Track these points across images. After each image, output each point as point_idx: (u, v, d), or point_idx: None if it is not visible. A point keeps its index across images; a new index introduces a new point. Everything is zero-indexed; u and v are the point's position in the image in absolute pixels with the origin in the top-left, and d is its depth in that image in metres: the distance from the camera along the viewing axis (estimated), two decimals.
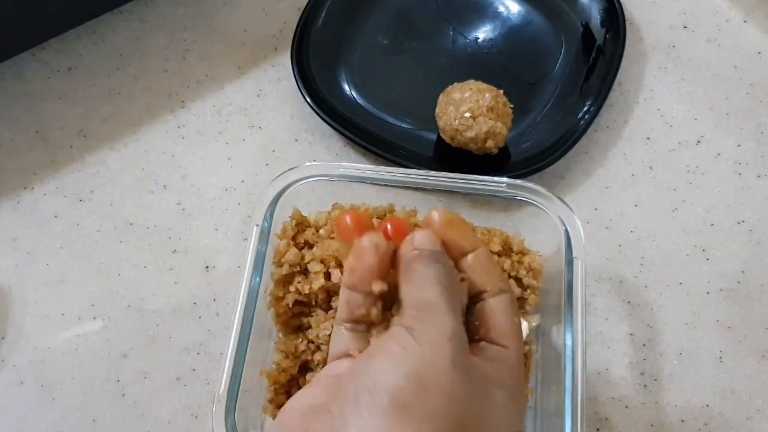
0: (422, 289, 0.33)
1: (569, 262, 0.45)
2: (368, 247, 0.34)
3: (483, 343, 0.34)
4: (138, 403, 0.51)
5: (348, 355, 0.35)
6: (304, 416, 0.31)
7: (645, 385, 0.51)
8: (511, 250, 0.50)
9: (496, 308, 0.35)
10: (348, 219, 0.37)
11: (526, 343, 0.47)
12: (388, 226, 0.36)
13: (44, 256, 0.55)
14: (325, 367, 0.35)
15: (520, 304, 0.48)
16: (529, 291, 0.48)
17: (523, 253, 0.50)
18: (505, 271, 0.48)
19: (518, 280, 0.49)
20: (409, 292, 0.33)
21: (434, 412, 0.29)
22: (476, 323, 0.35)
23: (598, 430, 0.50)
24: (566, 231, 0.45)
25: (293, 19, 0.63)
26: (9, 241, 0.56)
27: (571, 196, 0.57)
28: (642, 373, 0.51)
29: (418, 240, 0.35)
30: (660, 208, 0.57)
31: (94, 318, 0.53)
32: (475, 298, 0.36)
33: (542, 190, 0.46)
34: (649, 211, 0.57)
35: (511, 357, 0.34)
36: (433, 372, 0.30)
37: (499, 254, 0.49)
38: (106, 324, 0.53)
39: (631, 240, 0.56)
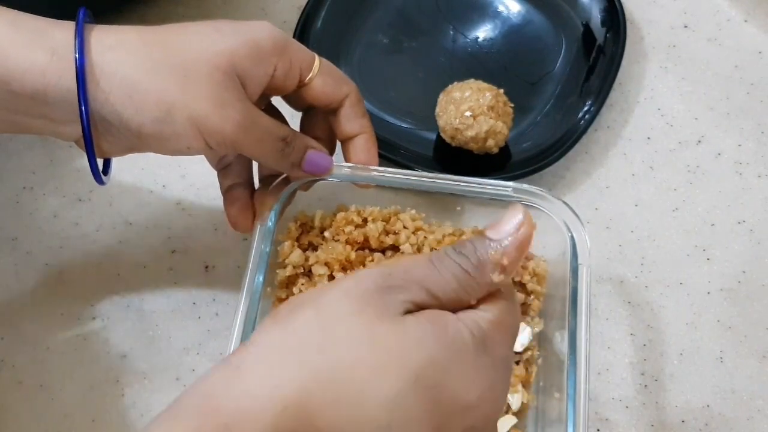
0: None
1: (574, 269, 0.44)
2: None
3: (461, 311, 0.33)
4: (137, 403, 0.51)
5: None
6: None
7: (645, 386, 0.51)
8: None
9: (496, 311, 0.34)
10: None
11: (528, 348, 0.47)
12: None
13: (44, 256, 0.55)
14: None
15: (523, 310, 0.49)
16: (533, 297, 0.48)
17: (527, 258, 0.49)
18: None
19: (522, 286, 0.49)
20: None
21: (297, 322, 0.31)
22: None
23: (598, 430, 0.50)
24: (572, 237, 0.45)
25: (293, 18, 0.63)
26: (9, 241, 0.56)
27: (571, 196, 0.57)
28: (642, 374, 0.51)
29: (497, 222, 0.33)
30: (660, 208, 0.57)
31: (94, 318, 0.53)
32: None
33: (548, 194, 0.46)
34: (650, 211, 0.57)
35: (483, 317, 0.32)
36: (326, 296, 0.31)
37: None
38: (106, 324, 0.53)
39: (631, 240, 0.56)
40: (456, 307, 0.32)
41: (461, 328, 0.31)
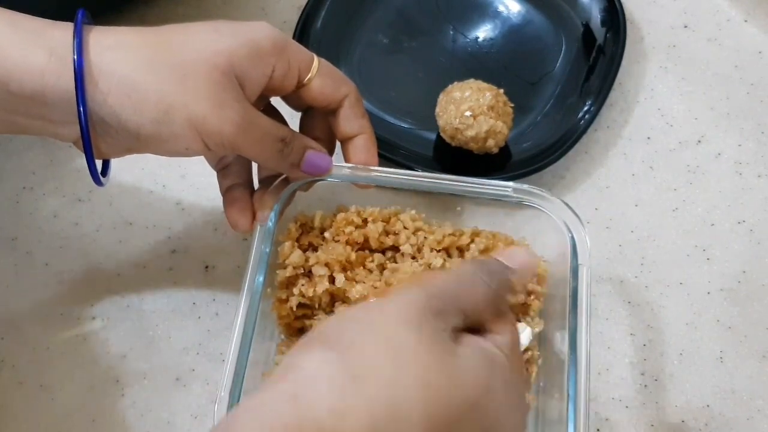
0: (445, 272, 0.35)
1: (574, 270, 0.44)
2: None
3: (480, 333, 0.35)
4: (137, 404, 0.51)
5: None
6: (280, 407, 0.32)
7: (645, 386, 0.51)
8: None
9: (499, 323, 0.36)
10: None
11: (528, 349, 0.47)
12: None
13: (44, 256, 0.55)
14: None
15: (523, 310, 0.48)
16: (533, 297, 0.48)
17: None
18: None
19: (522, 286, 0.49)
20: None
21: (361, 358, 0.30)
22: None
23: (598, 430, 0.50)
24: (572, 237, 0.45)
25: (293, 18, 0.63)
26: (9, 241, 0.56)
27: (571, 196, 0.57)
28: (642, 374, 0.51)
29: (505, 254, 0.38)
30: (660, 207, 0.57)
31: (94, 318, 0.53)
32: None
33: (548, 195, 0.46)
34: (650, 211, 0.57)
35: (504, 342, 0.34)
36: (383, 324, 0.31)
37: None
38: (106, 324, 0.53)
39: (631, 240, 0.56)
40: (474, 322, 0.34)
41: (499, 356, 0.33)
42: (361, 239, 0.49)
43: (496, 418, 0.32)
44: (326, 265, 0.47)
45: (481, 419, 0.31)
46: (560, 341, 0.47)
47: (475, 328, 0.35)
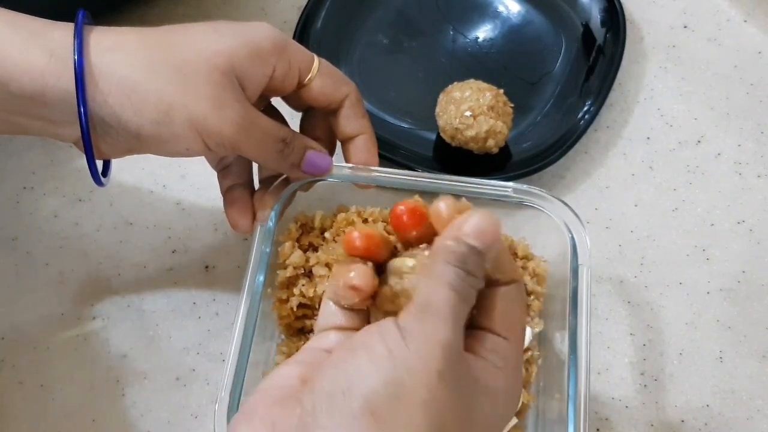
0: (433, 288, 0.31)
1: (574, 270, 0.44)
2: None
3: (483, 333, 0.33)
4: (137, 404, 0.51)
5: (337, 328, 0.34)
6: (274, 404, 0.30)
7: (645, 385, 0.51)
8: (515, 254, 0.49)
9: (504, 297, 0.33)
10: (356, 240, 0.34)
11: (528, 349, 0.47)
12: (401, 211, 0.34)
13: (44, 256, 0.55)
14: (312, 338, 0.34)
15: None
16: (533, 297, 0.48)
17: (527, 258, 0.49)
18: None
19: None
20: (422, 284, 0.31)
21: (409, 424, 0.28)
22: (481, 310, 0.33)
23: (598, 430, 0.50)
24: (572, 237, 0.45)
25: (293, 18, 0.63)
26: (9, 241, 0.56)
27: (571, 196, 0.57)
28: (642, 374, 0.51)
29: (469, 228, 0.31)
30: (660, 208, 0.57)
31: (94, 318, 0.53)
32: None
33: (548, 195, 0.46)
34: (650, 211, 0.57)
35: (510, 350, 0.33)
36: (415, 382, 0.28)
37: None
38: (106, 324, 0.53)
39: (631, 240, 0.56)
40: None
41: (508, 376, 0.33)
42: None
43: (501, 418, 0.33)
44: (326, 265, 0.47)
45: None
46: (560, 341, 0.47)
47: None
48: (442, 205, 0.33)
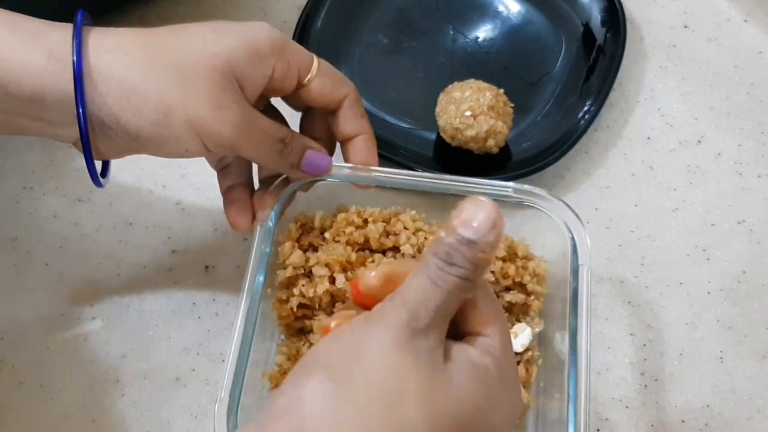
0: (412, 279, 0.33)
1: (575, 270, 0.44)
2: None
3: (467, 338, 0.34)
4: (137, 404, 0.51)
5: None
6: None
7: (645, 386, 0.51)
8: (515, 255, 0.49)
9: (470, 302, 0.34)
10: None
11: (528, 349, 0.47)
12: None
13: (44, 256, 0.55)
14: None
15: (523, 311, 0.48)
16: (533, 297, 0.48)
17: (527, 258, 0.49)
18: (509, 276, 0.48)
19: (522, 286, 0.49)
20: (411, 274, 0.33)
21: (361, 384, 0.30)
22: (459, 321, 0.35)
23: (598, 430, 0.50)
24: (572, 237, 0.45)
25: (293, 18, 0.63)
26: (9, 241, 0.56)
27: (571, 196, 0.57)
28: (642, 374, 0.51)
29: (458, 219, 0.32)
30: (660, 208, 0.57)
31: (94, 318, 0.53)
32: None
33: (548, 195, 0.46)
34: (650, 211, 0.57)
35: (493, 344, 0.34)
36: (372, 349, 0.31)
37: (504, 260, 0.49)
38: (106, 324, 0.53)
39: (631, 240, 0.56)
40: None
41: (488, 364, 0.33)
42: (361, 240, 0.49)
43: (492, 426, 0.32)
44: (326, 265, 0.47)
45: (478, 430, 0.32)
46: (560, 341, 0.47)
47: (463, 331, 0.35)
48: (368, 278, 0.35)
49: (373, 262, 0.49)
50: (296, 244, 0.49)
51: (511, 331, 0.47)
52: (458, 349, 0.33)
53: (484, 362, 0.33)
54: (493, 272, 0.48)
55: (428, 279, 0.32)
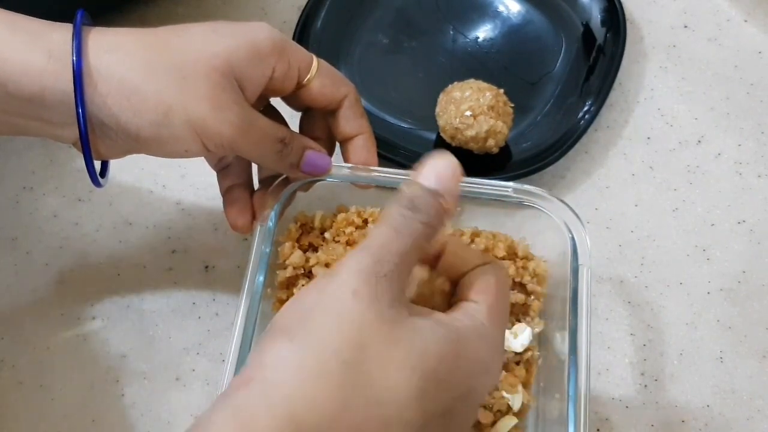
0: (375, 229, 0.33)
1: (575, 270, 0.44)
2: None
3: (458, 303, 0.35)
4: (137, 404, 0.51)
5: None
6: None
7: (645, 386, 0.51)
8: (515, 255, 0.49)
9: (476, 272, 0.35)
10: None
11: (528, 349, 0.47)
12: None
13: (44, 256, 0.55)
14: None
15: (523, 311, 0.48)
16: (533, 297, 0.48)
17: (527, 258, 0.49)
18: (509, 276, 0.48)
19: (522, 286, 0.49)
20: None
21: (320, 336, 0.30)
22: (458, 291, 0.36)
23: (598, 430, 0.50)
24: (572, 238, 0.45)
25: (293, 18, 0.63)
26: (9, 241, 0.56)
27: (571, 196, 0.57)
28: (642, 374, 0.51)
29: (424, 171, 0.34)
30: (660, 208, 0.57)
31: (94, 318, 0.53)
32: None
33: (548, 195, 0.46)
34: (650, 211, 0.57)
35: (480, 310, 0.34)
36: (331, 301, 0.31)
37: (503, 259, 0.49)
38: (106, 324, 0.53)
39: (631, 240, 0.56)
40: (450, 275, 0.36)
41: (462, 326, 0.33)
42: (361, 240, 0.49)
43: (459, 387, 0.32)
44: (326, 265, 0.47)
45: (450, 390, 0.31)
46: (560, 341, 0.47)
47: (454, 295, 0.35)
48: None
49: None
50: (296, 244, 0.49)
51: (511, 331, 0.47)
52: (426, 311, 0.33)
53: (456, 323, 0.33)
54: None
55: (389, 227, 0.32)
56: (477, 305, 0.34)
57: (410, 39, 0.64)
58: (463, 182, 0.47)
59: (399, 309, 0.31)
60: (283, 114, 0.49)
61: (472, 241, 0.50)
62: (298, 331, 0.30)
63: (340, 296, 0.31)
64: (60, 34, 0.39)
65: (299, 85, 0.45)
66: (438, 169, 0.34)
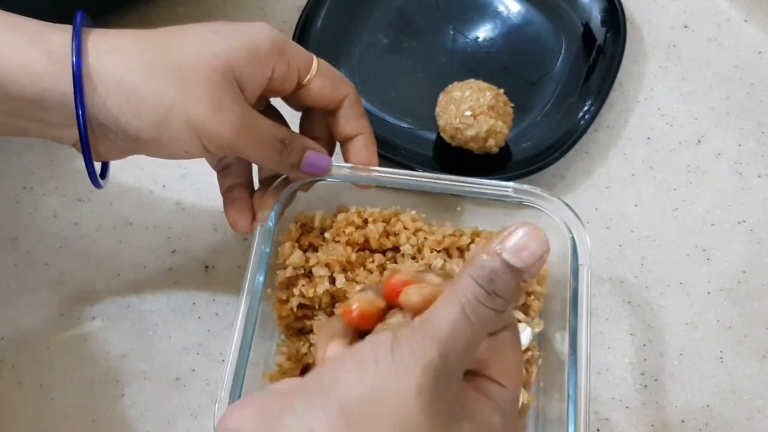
0: (444, 304, 0.30)
1: (575, 270, 0.44)
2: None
3: (482, 380, 0.33)
4: (137, 404, 0.51)
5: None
6: (268, 396, 0.31)
7: (645, 386, 0.51)
8: None
9: (499, 342, 0.33)
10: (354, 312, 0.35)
11: (528, 349, 0.47)
12: (396, 283, 0.35)
13: (44, 256, 0.55)
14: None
15: (523, 310, 0.48)
16: (533, 297, 0.48)
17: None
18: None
19: None
20: (441, 296, 0.31)
21: None
22: (479, 356, 0.33)
23: (598, 430, 0.50)
24: (572, 238, 0.45)
25: (293, 18, 0.63)
26: (9, 241, 0.56)
27: (571, 196, 0.57)
28: (642, 374, 0.51)
29: (511, 242, 0.30)
30: (660, 207, 0.57)
31: (94, 318, 0.53)
32: None
33: (548, 195, 0.46)
34: (650, 211, 0.57)
35: (507, 397, 0.32)
36: (391, 395, 0.29)
37: None
38: (106, 324, 0.53)
39: (631, 240, 0.56)
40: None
41: (497, 422, 0.32)
42: (361, 240, 0.49)
43: None
44: (327, 265, 0.47)
45: None
46: (560, 341, 0.47)
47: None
48: (413, 294, 0.33)
49: (373, 262, 0.49)
50: (296, 244, 0.49)
51: None
52: (474, 398, 0.31)
53: (494, 421, 0.31)
54: None
55: (462, 311, 0.30)
56: (504, 391, 0.32)
57: (410, 39, 0.64)
58: (463, 182, 0.47)
59: (454, 410, 0.30)
60: (283, 114, 0.49)
61: (472, 241, 0.50)
62: (355, 413, 0.29)
63: (403, 392, 0.29)
64: (60, 35, 0.39)
65: (299, 86, 0.45)
66: (529, 247, 0.30)
